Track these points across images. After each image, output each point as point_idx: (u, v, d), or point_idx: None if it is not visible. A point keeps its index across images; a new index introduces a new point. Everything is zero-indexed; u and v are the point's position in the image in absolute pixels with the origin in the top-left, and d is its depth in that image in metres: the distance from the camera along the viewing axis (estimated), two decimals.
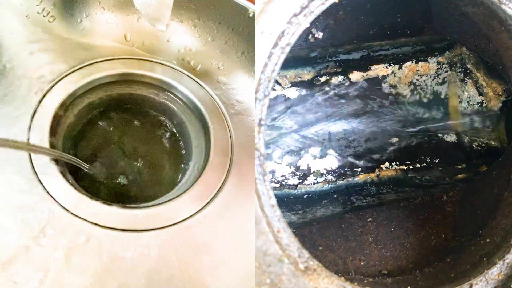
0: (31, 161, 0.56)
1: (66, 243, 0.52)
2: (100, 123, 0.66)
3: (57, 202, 0.54)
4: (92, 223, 0.54)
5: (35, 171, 0.55)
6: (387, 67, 0.68)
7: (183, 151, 0.67)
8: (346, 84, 0.67)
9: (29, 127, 0.58)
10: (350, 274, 0.61)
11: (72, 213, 0.54)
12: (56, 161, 0.57)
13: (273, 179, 0.65)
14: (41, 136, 0.58)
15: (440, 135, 0.69)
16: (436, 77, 0.69)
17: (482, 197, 0.61)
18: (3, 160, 0.55)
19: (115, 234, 0.54)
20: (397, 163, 0.68)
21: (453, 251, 0.59)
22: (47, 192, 0.55)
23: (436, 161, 0.69)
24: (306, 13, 0.46)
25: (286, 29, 0.45)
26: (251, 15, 0.67)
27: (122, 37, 0.71)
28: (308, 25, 0.46)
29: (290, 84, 0.66)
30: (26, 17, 0.67)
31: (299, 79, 0.67)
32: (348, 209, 0.65)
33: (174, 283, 0.53)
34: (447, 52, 0.68)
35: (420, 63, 0.69)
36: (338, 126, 0.68)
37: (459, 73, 0.68)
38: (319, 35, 0.60)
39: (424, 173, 0.68)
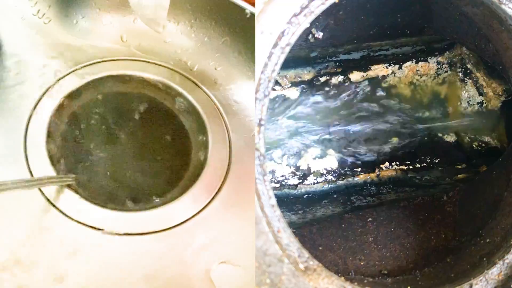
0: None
1: (65, 247, 0.52)
2: (96, 124, 0.66)
3: (54, 205, 0.54)
4: (90, 226, 0.53)
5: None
6: (387, 67, 0.68)
7: (182, 152, 0.67)
8: (346, 84, 0.67)
9: (26, 130, 0.58)
10: (350, 274, 0.61)
11: (68, 216, 0.54)
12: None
13: (273, 179, 0.65)
14: (38, 139, 0.57)
15: (440, 135, 0.69)
16: (436, 77, 0.69)
17: (482, 197, 0.62)
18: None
19: (113, 238, 0.54)
20: (397, 163, 0.68)
21: (453, 251, 0.59)
22: (44, 194, 0.54)
23: (436, 161, 0.69)
24: (306, 13, 0.46)
25: (286, 29, 0.45)
26: (248, 15, 0.67)
27: (118, 38, 0.71)
28: (308, 25, 0.46)
29: (290, 84, 0.66)
30: (21, 18, 0.66)
31: (299, 79, 0.67)
32: (348, 209, 0.65)
33: (174, 285, 0.53)
34: (447, 52, 0.68)
35: (420, 63, 0.69)
36: (338, 126, 0.68)
37: (459, 73, 0.68)
38: (319, 35, 0.60)
39: (424, 173, 0.68)
